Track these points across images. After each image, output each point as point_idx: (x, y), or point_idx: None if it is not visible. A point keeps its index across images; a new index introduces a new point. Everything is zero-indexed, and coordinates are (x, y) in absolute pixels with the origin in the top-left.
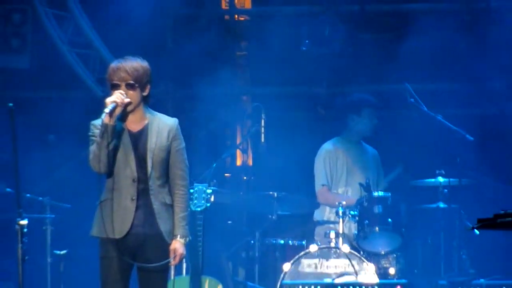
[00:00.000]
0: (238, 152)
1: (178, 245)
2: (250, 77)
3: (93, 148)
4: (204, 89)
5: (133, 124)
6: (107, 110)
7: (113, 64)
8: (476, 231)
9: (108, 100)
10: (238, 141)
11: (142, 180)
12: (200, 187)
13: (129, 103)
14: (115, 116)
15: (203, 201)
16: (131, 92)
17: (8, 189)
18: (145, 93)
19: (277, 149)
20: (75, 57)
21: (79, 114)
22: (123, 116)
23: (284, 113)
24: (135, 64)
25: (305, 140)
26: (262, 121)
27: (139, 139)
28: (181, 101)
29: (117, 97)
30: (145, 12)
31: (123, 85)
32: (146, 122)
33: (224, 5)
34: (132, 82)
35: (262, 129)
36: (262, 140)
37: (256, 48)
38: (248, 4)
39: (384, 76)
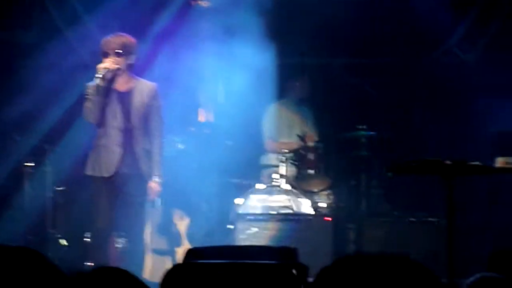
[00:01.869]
0: (201, 110)
1: (154, 184)
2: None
3: (87, 104)
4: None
5: (120, 86)
6: (99, 73)
7: (105, 38)
8: (389, 174)
9: (100, 66)
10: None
11: (127, 130)
12: (170, 137)
13: (117, 69)
14: (106, 78)
15: (172, 149)
16: (118, 59)
17: (18, 138)
18: (130, 61)
19: (233, 108)
20: (71, 33)
21: (74, 78)
22: (112, 79)
23: (240, 79)
24: (122, 37)
25: (254, 101)
26: (220, 86)
27: (125, 98)
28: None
29: (107, 63)
30: None
31: (112, 53)
32: (131, 84)
33: None
34: (120, 50)
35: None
36: (220, 100)
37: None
38: None
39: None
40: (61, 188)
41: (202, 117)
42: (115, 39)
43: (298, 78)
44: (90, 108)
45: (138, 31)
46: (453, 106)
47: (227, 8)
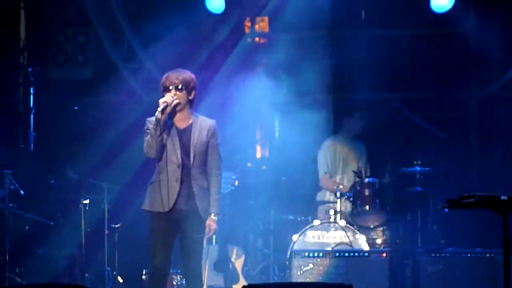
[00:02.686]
0: (258, 146)
1: (212, 222)
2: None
3: (147, 138)
4: (234, 99)
5: (180, 122)
6: (160, 108)
7: (167, 73)
8: (446, 209)
9: (161, 100)
10: (257, 137)
11: (185, 166)
12: (227, 174)
13: (177, 104)
14: (166, 113)
15: (229, 185)
16: (179, 94)
17: (74, 175)
18: (190, 97)
19: (288, 143)
20: (127, 70)
21: (130, 115)
22: (172, 115)
23: (294, 115)
24: (183, 73)
25: (310, 137)
26: (276, 121)
27: (184, 134)
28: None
29: (168, 98)
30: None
31: (173, 88)
32: (190, 121)
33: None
34: (180, 86)
35: (276, 128)
36: (276, 136)
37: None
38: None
39: (373, 85)
40: (117, 225)
41: (259, 153)
42: (177, 75)
43: (353, 113)
44: (149, 142)
45: (193, 67)
46: (509, 140)
47: (285, 45)
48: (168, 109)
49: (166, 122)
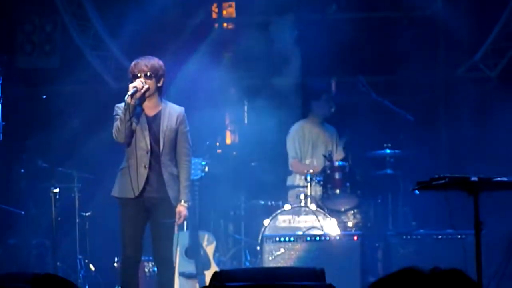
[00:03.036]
0: (228, 132)
1: (182, 208)
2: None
3: (116, 123)
4: (202, 86)
5: (149, 109)
6: (129, 92)
7: (135, 60)
8: (416, 191)
9: (131, 85)
10: (227, 123)
11: (154, 153)
12: (196, 160)
13: (147, 89)
14: (135, 98)
15: (199, 171)
16: (148, 81)
17: (44, 164)
18: (159, 84)
19: (258, 129)
20: (95, 58)
21: (98, 103)
22: (142, 101)
23: (263, 101)
24: (152, 60)
25: (278, 121)
26: (245, 106)
27: (154, 122)
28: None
29: (138, 83)
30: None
31: (142, 75)
32: (159, 108)
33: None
34: (149, 73)
35: (245, 113)
36: (245, 121)
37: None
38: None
39: (341, 69)
40: (88, 214)
41: (228, 139)
42: (145, 62)
43: (320, 96)
44: (119, 127)
45: (161, 53)
46: (478, 121)
47: (253, 30)
48: (138, 94)
49: (135, 107)
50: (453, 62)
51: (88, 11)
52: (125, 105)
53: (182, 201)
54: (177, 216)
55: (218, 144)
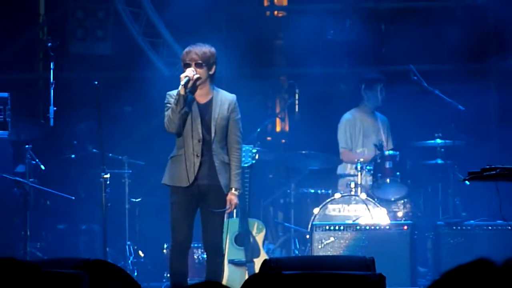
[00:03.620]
0: (278, 120)
1: (233, 196)
2: (286, 60)
3: (168, 112)
4: (254, 70)
5: (200, 97)
6: (182, 82)
7: (186, 49)
8: (467, 182)
9: (182, 75)
10: (277, 111)
11: (206, 141)
12: (247, 147)
13: (198, 78)
14: (188, 88)
15: (249, 159)
16: (199, 70)
17: (95, 150)
18: (211, 72)
19: (309, 117)
20: (147, 44)
21: (151, 90)
22: (193, 90)
23: (313, 88)
24: (203, 48)
25: (330, 110)
26: (296, 95)
27: (205, 110)
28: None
29: (189, 72)
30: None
31: (193, 64)
32: (211, 96)
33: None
34: (200, 62)
35: (296, 102)
36: (296, 110)
37: (291, 38)
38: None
39: (392, 58)
40: (138, 200)
41: (278, 126)
42: (196, 50)
43: (372, 86)
44: (171, 117)
45: (213, 41)
46: None
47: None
48: (190, 84)
49: (187, 97)
50: (505, 53)
51: None
52: (177, 95)
53: (233, 189)
54: (227, 204)
55: (269, 127)
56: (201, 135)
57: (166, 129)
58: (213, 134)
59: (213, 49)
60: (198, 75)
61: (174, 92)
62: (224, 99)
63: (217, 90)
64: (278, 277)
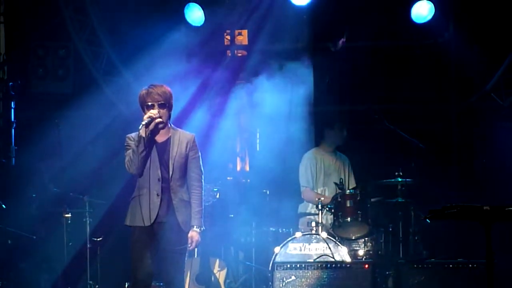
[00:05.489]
0: (238, 159)
1: (194, 234)
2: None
3: (129, 154)
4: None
5: (159, 136)
6: (143, 122)
7: (145, 89)
8: (428, 220)
9: (145, 116)
10: (237, 150)
11: (165, 180)
12: (208, 186)
13: (161, 121)
14: (149, 129)
15: (210, 198)
16: (162, 110)
17: (55, 189)
18: (170, 112)
19: (269, 156)
20: (107, 84)
21: (111, 129)
22: (155, 131)
23: (275, 128)
24: (163, 88)
25: (291, 149)
26: (257, 134)
27: (163, 148)
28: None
29: (153, 114)
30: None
31: (156, 105)
32: (169, 135)
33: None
34: (163, 102)
35: (257, 140)
36: (257, 149)
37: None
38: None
39: (353, 98)
40: (99, 239)
41: (239, 165)
42: (157, 91)
43: (334, 125)
44: (131, 159)
45: (171, 81)
46: (489, 150)
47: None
48: (152, 126)
49: (148, 138)
50: (466, 91)
51: (101, 37)
52: (138, 136)
53: (195, 227)
54: (189, 241)
55: (231, 166)
56: (160, 174)
57: (127, 170)
58: (171, 172)
59: (169, 89)
60: (160, 119)
61: (133, 135)
62: (183, 137)
63: (175, 128)
64: None
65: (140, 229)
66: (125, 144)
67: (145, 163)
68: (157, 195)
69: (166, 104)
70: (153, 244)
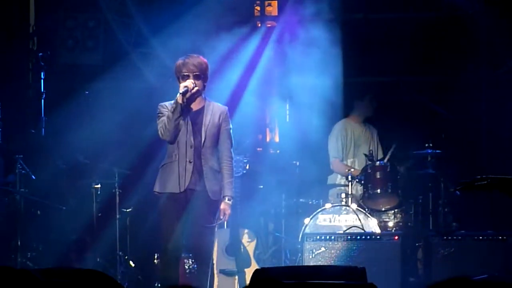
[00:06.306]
0: (267, 130)
1: (226, 207)
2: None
3: (163, 121)
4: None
5: (193, 105)
6: (180, 91)
7: (182, 59)
8: (458, 192)
9: (182, 84)
10: (267, 122)
11: (197, 147)
12: (238, 157)
13: (197, 91)
14: (186, 97)
15: (240, 169)
16: (198, 81)
17: (85, 160)
18: (206, 83)
19: (299, 127)
20: (137, 55)
21: (140, 100)
22: (190, 100)
23: (306, 99)
24: (199, 59)
25: (320, 120)
26: (287, 105)
27: (196, 116)
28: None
29: (189, 83)
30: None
31: (191, 76)
32: (203, 104)
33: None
34: (198, 73)
35: (287, 112)
36: (287, 120)
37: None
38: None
39: (382, 70)
40: (129, 210)
41: (268, 136)
42: (193, 61)
43: (364, 96)
44: (166, 125)
45: (202, 51)
46: None
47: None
48: (188, 94)
49: (184, 106)
50: (495, 62)
51: (131, 8)
52: (175, 104)
53: (226, 198)
54: (221, 214)
55: (260, 138)
56: (192, 141)
57: (161, 137)
58: (203, 140)
59: (206, 60)
60: (197, 88)
61: (166, 103)
62: (216, 109)
63: (209, 100)
64: (279, 286)
65: (170, 196)
66: (158, 112)
67: (179, 130)
68: (189, 161)
69: (201, 75)
70: (182, 214)
